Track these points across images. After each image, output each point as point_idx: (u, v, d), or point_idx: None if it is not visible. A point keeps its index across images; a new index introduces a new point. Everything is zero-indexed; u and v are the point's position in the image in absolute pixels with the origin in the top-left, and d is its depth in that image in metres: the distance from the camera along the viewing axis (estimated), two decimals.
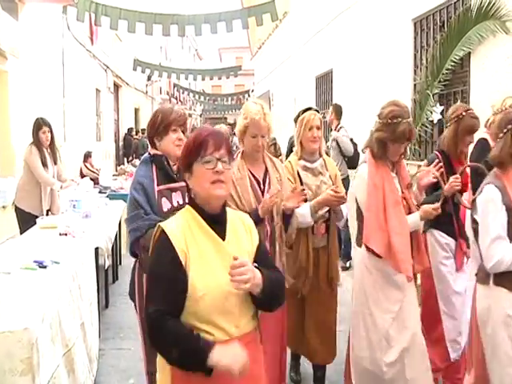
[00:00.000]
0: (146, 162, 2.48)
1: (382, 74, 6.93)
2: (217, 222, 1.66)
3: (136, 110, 18.32)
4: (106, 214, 5.37)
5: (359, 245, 2.77)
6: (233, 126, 15.44)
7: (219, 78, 18.24)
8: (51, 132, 5.05)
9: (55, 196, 5.22)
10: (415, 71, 6.16)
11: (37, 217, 4.56)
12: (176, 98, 24.92)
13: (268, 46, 16.51)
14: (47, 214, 4.92)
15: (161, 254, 1.60)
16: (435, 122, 5.51)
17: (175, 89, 24.34)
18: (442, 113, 5.38)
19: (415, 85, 6.09)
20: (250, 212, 2.34)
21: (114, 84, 14.12)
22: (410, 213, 2.65)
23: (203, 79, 18.03)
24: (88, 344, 3.14)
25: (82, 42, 10.31)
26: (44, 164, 4.96)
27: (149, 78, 18.80)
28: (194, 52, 37.79)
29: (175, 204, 2.38)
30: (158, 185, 2.38)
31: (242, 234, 1.72)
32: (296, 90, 12.04)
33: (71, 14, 8.72)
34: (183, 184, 2.31)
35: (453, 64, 5.12)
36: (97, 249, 4.07)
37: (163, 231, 1.61)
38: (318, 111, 3.12)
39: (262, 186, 2.72)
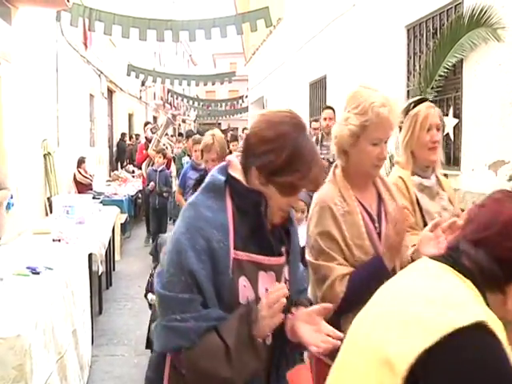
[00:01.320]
0: (216, 189, 1.28)
1: (376, 81, 6.97)
2: None
3: (130, 116, 18.27)
4: (100, 219, 5.37)
5: None
6: (224, 131, 15.37)
7: (213, 84, 18.25)
8: None
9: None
10: (408, 77, 6.20)
11: None
12: (170, 104, 24.91)
13: (262, 51, 16.55)
14: None
15: None
16: None
17: (169, 94, 24.34)
18: None
19: (408, 91, 6.13)
20: (368, 263, 1.65)
21: (108, 89, 14.07)
22: None
23: (197, 85, 18.03)
24: (80, 351, 3.12)
25: (75, 47, 10.27)
26: None
27: (143, 84, 18.78)
28: (188, 57, 37.77)
29: (262, 292, 1.26)
30: (235, 247, 1.23)
31: None
32: (290, 96, 12.06)
33: (65, 19, 8.70)
34: (282, 260, 1.33)
35: (445, 70, 5.16)
36: (90, 255, 4.06)
37: (497, 345, 0.81)
38: (432, 101, 2.22)
39: (376, 224, 1.74)
